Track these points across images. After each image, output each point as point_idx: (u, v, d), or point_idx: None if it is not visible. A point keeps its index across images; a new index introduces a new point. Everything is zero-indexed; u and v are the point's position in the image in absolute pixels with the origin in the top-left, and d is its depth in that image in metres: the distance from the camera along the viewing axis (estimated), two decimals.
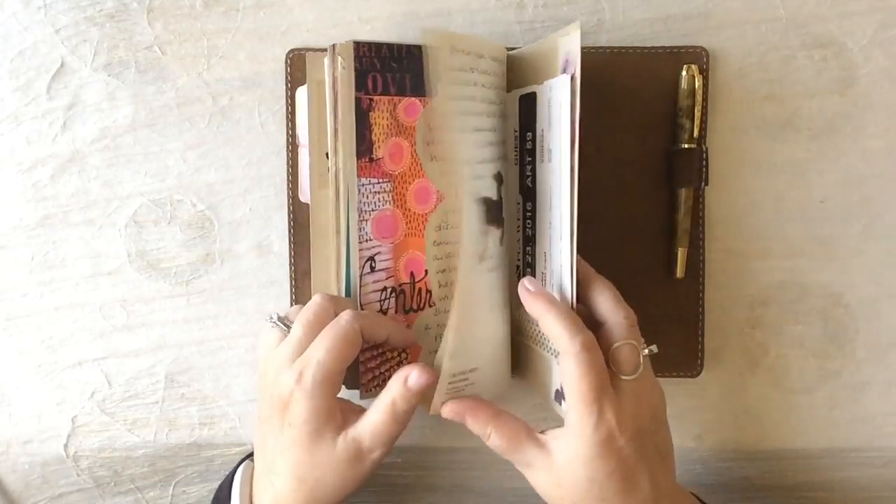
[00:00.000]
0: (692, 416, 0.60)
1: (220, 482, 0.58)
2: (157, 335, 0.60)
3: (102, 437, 0.61)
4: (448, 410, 0.51)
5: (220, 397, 0.60)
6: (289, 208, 0.58)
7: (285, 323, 0.51)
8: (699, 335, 0.59)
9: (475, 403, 0.50)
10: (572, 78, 0.48)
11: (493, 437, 0.50)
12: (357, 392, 0.53)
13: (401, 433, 0.50)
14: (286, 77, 0.57)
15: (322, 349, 0.47)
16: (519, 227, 0.55)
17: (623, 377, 0.48)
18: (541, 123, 0.52)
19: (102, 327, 0.60)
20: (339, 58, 0.53)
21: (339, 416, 0.49)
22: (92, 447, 0.61)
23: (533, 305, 0.49)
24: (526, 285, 0.50)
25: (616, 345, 0.48)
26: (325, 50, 0.56)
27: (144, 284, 0.60)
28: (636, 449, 0.47)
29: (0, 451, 0.61)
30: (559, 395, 0.51)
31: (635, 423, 0.47)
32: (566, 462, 0.47)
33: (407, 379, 0.48)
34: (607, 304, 0.50)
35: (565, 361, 0.47)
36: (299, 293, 0.58)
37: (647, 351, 0.49)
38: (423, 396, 0.49)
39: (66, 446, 0.61)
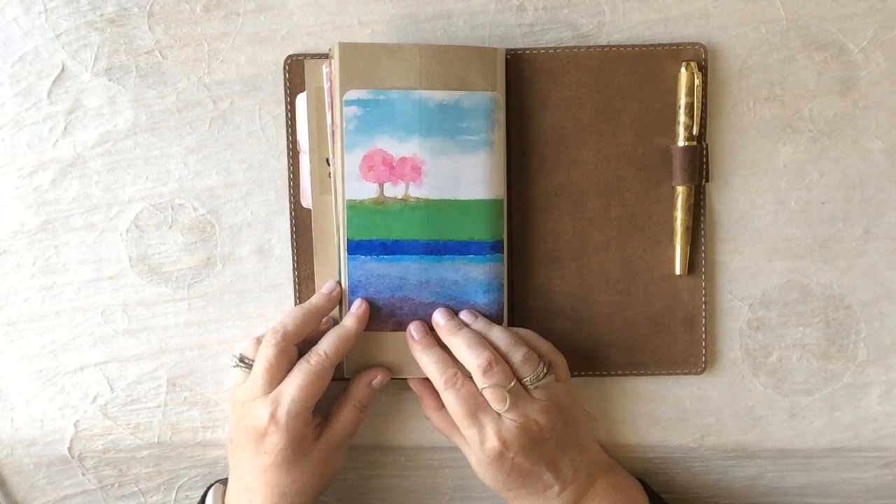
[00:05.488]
0: (694, 417, 0.60)
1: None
2: (158, 339, 0.60)
3: (106, 441, 0.61)
4: (412, 384, 0.58)
5: (222, 401, 0.60)
6: (290, 213, 0.58)
7: (246, 363, 0.55)
8: (702, 331, 0.59)
9: (427, 391, 0.57)
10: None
11: (433, 421, 0.57)
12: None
13: None
14: (285, 83, 0.57)
15: (295, 386, 0.52)
16: None
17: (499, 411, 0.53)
18: None
19: (104, 332, 0.60)
20: (331, 60, 0.54)
21: (311, 433, 0.54)
22: (96, 449, 0.61)
23: (413, 352, 0.55)
24: (412, 332, 0.55)
25: (481, 389, 0.53)
26: (322, 56, 0.56)
27: (146, 289, 0.60)
28: (528, 456, 0.53)
29: (5, 454, 0.61)
30: None
31: (525, 437, 0.52)
32: (473, 463, 0.55)
33: (372, 382, 0.56)
34: (459, 353, 0.54)
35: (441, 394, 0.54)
36: (303, 298, 0.59)
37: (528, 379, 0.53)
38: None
39: (69, 449, 0.61)
